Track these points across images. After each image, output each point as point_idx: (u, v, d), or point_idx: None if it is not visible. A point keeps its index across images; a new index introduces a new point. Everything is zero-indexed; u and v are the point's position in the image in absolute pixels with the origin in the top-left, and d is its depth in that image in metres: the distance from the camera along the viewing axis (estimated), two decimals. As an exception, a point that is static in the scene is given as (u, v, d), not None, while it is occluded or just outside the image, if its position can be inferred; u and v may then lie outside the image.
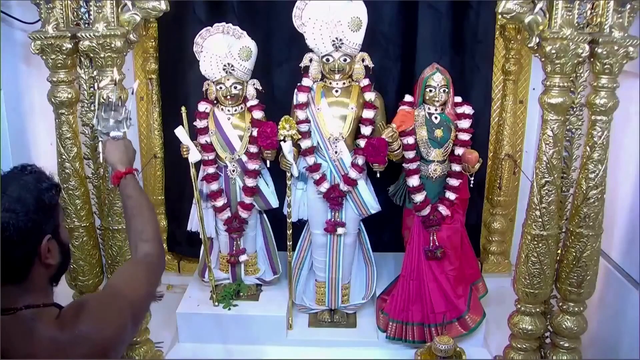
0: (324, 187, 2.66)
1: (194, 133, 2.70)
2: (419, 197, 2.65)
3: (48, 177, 1.36)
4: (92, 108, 2.11)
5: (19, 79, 2.49)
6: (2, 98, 2.36)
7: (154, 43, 3.07)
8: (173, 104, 2.96)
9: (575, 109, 2.21)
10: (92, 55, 2.16)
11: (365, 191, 2.68)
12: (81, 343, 1.25)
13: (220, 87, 2.65)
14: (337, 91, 2.64)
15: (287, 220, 2.72)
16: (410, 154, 2.62)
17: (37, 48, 2.14)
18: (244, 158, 2.72)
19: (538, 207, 2.24)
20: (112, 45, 2.12)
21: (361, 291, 2.92)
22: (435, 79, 2.58)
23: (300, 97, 2.64)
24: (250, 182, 2.73)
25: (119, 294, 1.39)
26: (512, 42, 2.94)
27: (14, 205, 1.24)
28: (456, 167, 2.65)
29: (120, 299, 1.37)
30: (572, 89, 2.18)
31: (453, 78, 2.64)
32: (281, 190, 2.79)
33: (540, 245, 2.27)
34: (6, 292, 1.27)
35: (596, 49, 2.08)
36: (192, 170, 2.66)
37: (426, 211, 2.67)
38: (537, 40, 2.10)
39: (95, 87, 2.16)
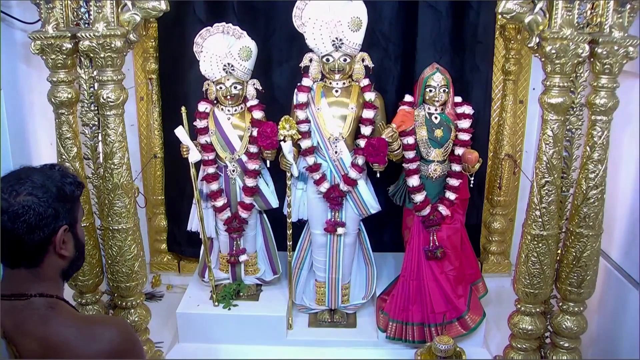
0: (324, 187, 2.66)
1: (194, 133, 2.70)
2: (419, 197, 2.65)
3: (73, 175, 1.44)
4: None
5: (19, 79, 2.49)
6: (2, 98, 2.35)
7: (154, 43, 3.07)
8: (173, 104, 2.96)
9: (575, 109, 2.21)
10: (92, 55, 2.16)
11: (365, 191, 2.67)
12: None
13: (220, 87, 2.65)
14: (337, 91, 2.64)
15: (287, 220, 2.72)
16: (410, 154, 2.62)
17: (37, 48, 2.14)
18: (244, 158, 2.72)
19: (538, 207, 2.24)
20: (112, 45, 2.12)
21: (361, 291, 2.92)
22: (435, 79, 2.58)
23: (300, 97, 2.64)
24: (250, 182, 2.73)
25: None
26: (512, 42, 2.94)
27: (37, 191, 1.32)
28: (456, 167, 2.65)
29: None
30: (572, 89, 2.18)
31: (453, 78, 2.64)
32: (281, 190, 2.79)
33: (540, 245, 2.27)
34: (19, 276, 1.35)
35: (596, 49, 2.07)
36: (192, 170, 2.66)
37: (426, 211, 2.67)
38: (537, 40, 2.09)
39: None
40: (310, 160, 2.64)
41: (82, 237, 1.47)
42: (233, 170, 2.75)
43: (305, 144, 2.64)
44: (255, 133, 2.65)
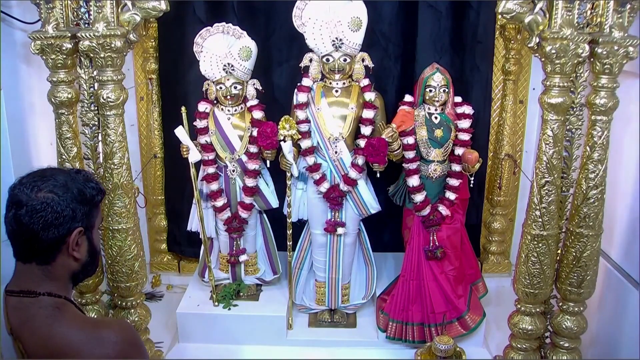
0: (324, 187, 2.66)
1: (194, 133, 2.70)
2: (419, 197, 2.65)
3: (97, 181, 1.47)
4: None
5: (19, 79, 2.49)
6: (2, 98, 2.35)
7: (154, 43, 3.07)
8: (173, 104, 2.96)
9: (575, 109, 2.21)
10: (92, 55, 2.16)
11: (365, 191, 2.68)
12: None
13: (220, 87, 2.65)
14: (337, 91, 2.64)
15: (287, 220, 2.72)
16: (410, 154, 2.62)
17: (37, 48, 2.14)
18: (244, 158, 2.72)
19: (538, 207, 2.24)
20: (112, 45, 2.12)
21: (361, 291, 2.92)
22: (435, 79, 2.58)
23: (300, 97, 2.64)
24: (250, 182, 2.73)
25: None
26: (512, 42, 2.94)
27: (58, 189, 1.35)
28: (456, 167, 2.65)
29: None
30: (572, 89, 2.18)
31: (453, 78, 2.64)
32: (281, 190, 2.79)
33: (540, 245, 2.27)
34: (30, 272, 1.38)
35: (596, 49, 2.07)
36: (192, 170, 2.66)
37: (426, 211, 2.67)
38: (537, 40, 2.09)
39: None
40: (310, 160, 2.64)
41: (97, 244, 1.48)
42: (233, 170, 2.75)
43: (305, 144, 2.64)
44: (255, 133, 2.65)
